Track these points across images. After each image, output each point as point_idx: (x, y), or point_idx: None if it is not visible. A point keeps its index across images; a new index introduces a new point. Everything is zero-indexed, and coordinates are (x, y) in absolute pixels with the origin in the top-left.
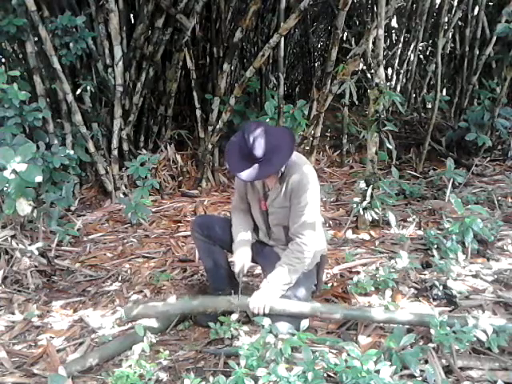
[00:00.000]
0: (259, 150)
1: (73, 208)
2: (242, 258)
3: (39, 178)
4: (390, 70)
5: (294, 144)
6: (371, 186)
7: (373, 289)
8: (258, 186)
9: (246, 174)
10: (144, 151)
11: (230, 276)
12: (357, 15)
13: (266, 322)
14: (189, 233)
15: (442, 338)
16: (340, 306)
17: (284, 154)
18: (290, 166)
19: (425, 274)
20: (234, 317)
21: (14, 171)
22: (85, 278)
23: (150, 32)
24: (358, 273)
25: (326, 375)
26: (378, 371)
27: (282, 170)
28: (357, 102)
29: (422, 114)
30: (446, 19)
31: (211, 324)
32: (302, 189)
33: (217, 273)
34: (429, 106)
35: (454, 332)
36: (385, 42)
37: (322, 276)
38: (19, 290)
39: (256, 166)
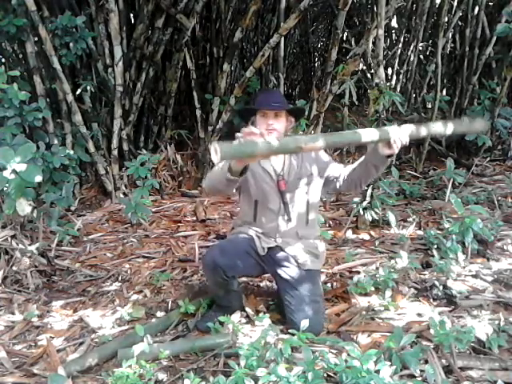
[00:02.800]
0: (275, 96)
1: (73, 208)
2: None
3: (39, 178)
4: (390, 70)
5: None
6: (371, 186)
7: (373, 289)
8: (268, 167)
9: (270, 106)
10: (144, 151)
11: (238, 296)
12: (357, 15)
13: (266, 322)
14: (189, 233)
15: (441, 338)
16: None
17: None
18: None
19: (425, 274)
20: (236, 318)
21: (14, 171)
22: (85, 278)
23: (150, 32)
24: (358, 273)
25: (325, 375)
26: (378, 371)
27: None
28: (357, 102)
29: (422, 114)
30: (446, 19)
31: (210, 324)
32: (326, 155)
33: (227, 297)
34: (429, 105)
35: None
36: (385, 42)
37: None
38: (19, 290)
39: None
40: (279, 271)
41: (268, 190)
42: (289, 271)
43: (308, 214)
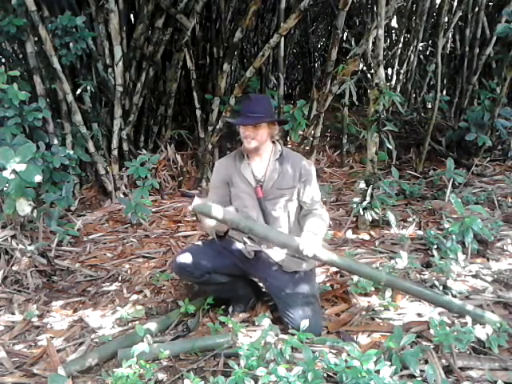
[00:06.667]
0: (257, 105)
1: (73, 208)
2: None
3: (39, 178)
4: (389, 70)
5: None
6: (371, 185)
7: (373, 289)
8: (248, 174)
9: (243, 121)
10: (144, 151)
11: (235, 286)
12: (357, 15)
13: (266, 322)
14: (189, 233)
15: (441, 338)
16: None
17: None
18: (289, 152)
19: (425, 274)
20: (237, 319)
21: (13, 171)
22: (85, 278)
23: (150, 32)
24: None
25: (325, 375)
26: (378, 371)
27: (280, 149)
28: (357, 102)
29: (422, 114)
30: (446, 19)
31: (210, 324)
32: (311, 173)
33: (220, 292)
34: (429, 106)
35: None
36: (385, 42)
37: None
38: (19, 290)
39: (252, 116)
40: (266, 276)
41: (246, 198)
42: (276, 275)
43: (289, 222)
